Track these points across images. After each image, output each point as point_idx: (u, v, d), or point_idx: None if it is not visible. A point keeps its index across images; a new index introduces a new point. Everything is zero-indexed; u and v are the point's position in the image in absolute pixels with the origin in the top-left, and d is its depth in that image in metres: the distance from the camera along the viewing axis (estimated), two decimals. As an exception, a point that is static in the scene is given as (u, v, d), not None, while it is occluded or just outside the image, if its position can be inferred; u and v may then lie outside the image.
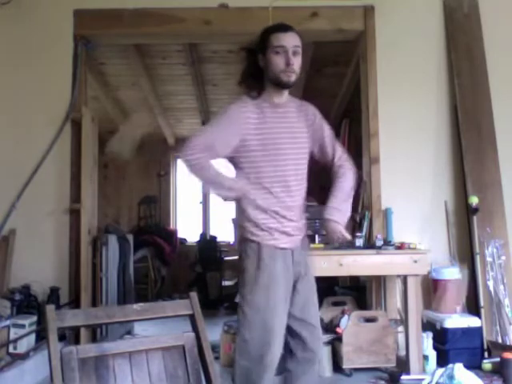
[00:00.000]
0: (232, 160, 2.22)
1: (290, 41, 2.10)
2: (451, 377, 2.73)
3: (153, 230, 7.37)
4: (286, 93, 2.20)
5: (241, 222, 2.16)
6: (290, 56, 2.08)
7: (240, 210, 2.16)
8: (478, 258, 3.79)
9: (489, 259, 3.78)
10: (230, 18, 4.13)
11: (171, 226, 7.91)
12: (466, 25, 4.16)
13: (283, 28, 2.14)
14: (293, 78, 2.11)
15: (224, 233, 7.59)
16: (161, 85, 6.22)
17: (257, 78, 2.20)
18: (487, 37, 4.11)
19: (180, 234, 7.78)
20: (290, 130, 2.18)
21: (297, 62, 2.11)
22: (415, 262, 3.44)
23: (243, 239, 2.15)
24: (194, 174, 2.12)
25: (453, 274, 3.78)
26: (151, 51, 5.42)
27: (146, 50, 5.39)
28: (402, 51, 4.17)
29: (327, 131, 2.28)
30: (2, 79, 4.14)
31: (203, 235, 7.56)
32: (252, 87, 2.21)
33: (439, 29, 4.19)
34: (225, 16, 4.13)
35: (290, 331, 2.16)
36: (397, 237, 3.89)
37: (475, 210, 3.82)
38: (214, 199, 8.13)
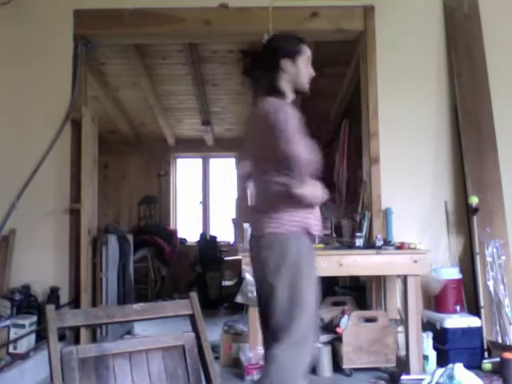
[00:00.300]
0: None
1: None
2: (451, 377, 2.74)
3: (153, 230, 7.37)
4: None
5: (296, 214, 2.10)
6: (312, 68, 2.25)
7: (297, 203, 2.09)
8: (477, 258, 3.79)
9: (489, 259, 3.78)
10: (230, 18, 4.13)
11: (171, 226, 7.90)
12: (466, 25, 4.16)
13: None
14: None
15: (224, 233, 7.60)
16: (161, 85, 6.22)
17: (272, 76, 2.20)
18: (487, 37, 4.11)
19: (180, 234, 7.77)
20: None
21: None
22: (415, 262, 3.44)
23: (296, 232, 2.09)
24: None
25: (453, 274, 3.78)
26: (151, 51, 5.42)
27: (146, 50, 5.39)
28: (402, 51, 4.17)
29: None
30: (2, 79, 4.14)
31: (203, 235, 7.56)
32: (257, 82, 2.24)
33: (439, 29, 4.19)
34: (225, 16, 4.13)
35: None
36: (397, 237, 3.89)
37: (475, 210, 3.82)
38: (214, 199, 8.14)
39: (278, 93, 2.17)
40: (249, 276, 3.47)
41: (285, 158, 2.01)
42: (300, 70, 2.20)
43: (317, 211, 2.17)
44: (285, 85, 2.19)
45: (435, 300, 3.82)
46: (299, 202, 2.07)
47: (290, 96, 2.21)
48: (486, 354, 3.60)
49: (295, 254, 2.07)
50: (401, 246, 3.56)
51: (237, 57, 2.32)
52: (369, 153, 4.13)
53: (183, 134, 7.80)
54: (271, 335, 2.07)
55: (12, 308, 3.61)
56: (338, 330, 3.54)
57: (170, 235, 7.42)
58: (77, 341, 3.81)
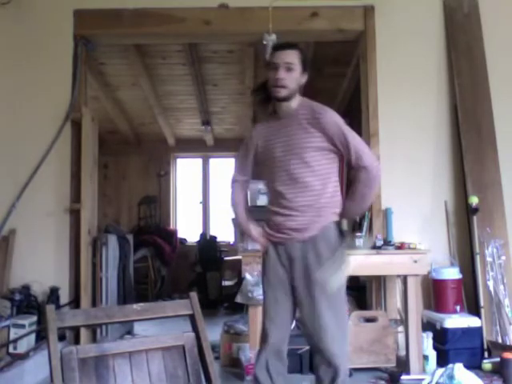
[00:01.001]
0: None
1: (283, 57, 2.22)
2: (451, 377, 2.73)
3: (153, 230, 7.37)
4: (286, 104, 2.25)
5: None
6: (278, 71, 2.19)
7: None
8: (477, 258, 3.79)
9: (489, 259, 3.78)
10: (230, 18, 4.13)
11: (171, 226, 7.90)
12: (466, 25, 4.16)
13: (281, 46, 2.29)
14: (282, 92, 2.21)
15: (224, 233, 7.59)
16: (161, 85, 6.22)
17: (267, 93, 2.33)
18: (487, 37, 4.11)
19: (180, 234, 7.78)
20: (287, 137, 2.26)
21: (288, 77, 2.20)
22: (415, 262, 3.44)
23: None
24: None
25: (453, 274, 3.78)
26: (151, 51, 5.42)
27: (146, 50, 5.39)
28: (402, 51, 4.17)
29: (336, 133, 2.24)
30: (2, 79, 4.14)
31: (203, 235, 7.56)
32: (262, 102, 2.37)
33: (439, 29, 4.19)
34: (225, 16, 4.13)
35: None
36: (397, 237, 3.88)
37: (475, 210, 3.81)
38: (214, 199, 8.14)
39: (264, 102, 2.37)
40: (249, 276, 3.47)
41: None
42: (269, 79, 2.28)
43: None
44: None
45: (435, 300, 3.82)
46: None
47: (274, 103, 2.32)
48: (486, 354, 3.60)
49: None
50: (401, 246, 3.56)
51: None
52: (369, 153, 4.12)
53: (183, 134, 7.80)
54: None
55: (12, 308, 3.61)
56: (338, 330, 3.54)
57: (169, 235, 7.42)
58: (77, 341, 3.81)
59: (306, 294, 2.17)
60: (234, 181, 2.49)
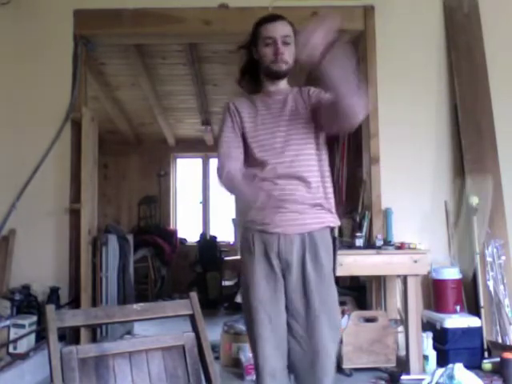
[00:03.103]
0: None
1: (279, 31, 2.07)
2: (451, 377, 2.73)
3: (153, 230, 7.38)
4: (280, 82, 2.10)
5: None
6: (278, 46, 2.03)
7: None
8: (477, 258, 3.79)
9: (489, 259, 3.78)
10: (230, 18, 4.13)
11: (171, 226, 7.91)
12: (466, 25, 4.16)
13: (271, 18, 2.14)
14: (283, 67, 2.05)
15: (224, 233, 7.60)
16: (161, 85, 6.22)
17: (254, 72, 2.15)
18: (487, 37, 4.11)
19: (180, 234, 7.78)
20: (277, 118, 2.07)
21: (287, 52, 2.05)
22: (415, 262, 3.44)
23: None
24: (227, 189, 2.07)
25: (453, 274, 3.78)
26: (151, 51, 5.42)
27: (146, 50, 5.39)
28: (402, 51, 4.17)
29: (320, 93, 2.09)
30: (2, 79, 4.14)
31: (203, 235, 7.56)
32: (250, 83, 2.17)
33: (439, 29, 4.19)
34: (225, 16, 4.13)
35: None
36: (397, 237, 3.89)
37: (475, 210, 3.81)
38: (214, 199, 8.14)
39: (252, 84, 2.17)
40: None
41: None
42: (261, 55, 2.07)
43: None
44: (260, 72, 2.12)
45: (435, 300, 3.82)
46: None
47: (264, 82, 2.12)
48: (486, 354, 3.60)
49: None
50: (401, 246, 3.56)
51: (240, 54, 2.24)
52: (369, 153, 4.13)
53: (183, 134, 7.80)
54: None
55: (12, 308, 3.61)
56: (338, 329, 3.54)
57: (169, 235, 7.43)
58: (77, 341, 3.81)
59: (303, 308, 1.96)
60: (221, 172, 2.06)
